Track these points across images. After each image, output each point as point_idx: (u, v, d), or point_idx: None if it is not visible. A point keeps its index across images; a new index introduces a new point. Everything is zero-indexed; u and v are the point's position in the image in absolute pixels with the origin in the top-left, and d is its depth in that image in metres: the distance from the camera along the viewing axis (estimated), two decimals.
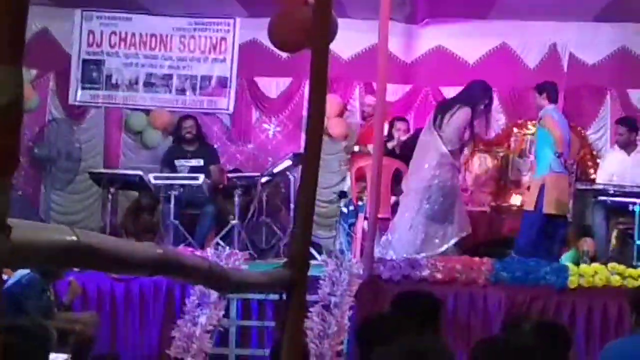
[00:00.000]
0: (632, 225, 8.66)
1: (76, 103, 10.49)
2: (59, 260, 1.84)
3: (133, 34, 10.46)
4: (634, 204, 8.61)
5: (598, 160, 10.14)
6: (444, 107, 9.03)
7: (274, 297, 6.19)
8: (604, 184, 9.04)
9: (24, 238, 1.56)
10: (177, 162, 9.97)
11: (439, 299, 4.91)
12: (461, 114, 8.79)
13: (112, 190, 9.67)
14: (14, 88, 1.43)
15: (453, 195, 8.78)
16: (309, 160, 3.90)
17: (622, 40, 10.58)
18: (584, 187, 9.37)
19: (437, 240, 8.67)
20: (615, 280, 7.74)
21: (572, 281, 7.79)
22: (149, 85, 10.44)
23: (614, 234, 9.14)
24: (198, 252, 8.31)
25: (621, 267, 7.88)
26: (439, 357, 2.54)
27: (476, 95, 8.98)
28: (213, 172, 9.96)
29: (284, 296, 3.72)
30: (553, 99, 9.21)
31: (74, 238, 1.70)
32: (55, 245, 1.66)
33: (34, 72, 10.66)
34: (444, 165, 8.70)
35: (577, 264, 8.17)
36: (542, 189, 8.83)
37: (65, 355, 5.25)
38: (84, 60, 10.36)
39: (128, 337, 8.16)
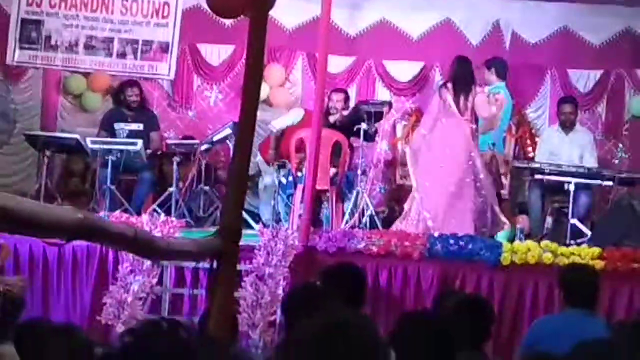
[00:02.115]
0: (567, 204, 8.76)
1: (14, 63, 10.28)
2: None
3: None
4: (569, 183, 8.71)
5: (536, 139, 10.23)
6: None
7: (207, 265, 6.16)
8: (541, 163, 9.13)
9: None
10: (116, 126, 9.86)
11: (363, 272, 4.92)
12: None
13: (47, 153, 9.53)
14: None
15: None
16: (244, 128, 3.87)
17: (564, 20, 10.65)
18: (520, 165, 9.45)
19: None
20: (548, 257, 7.83)
21: (505, 258, 7.87)
22: (89, 47, 10.26)
23: (549, 212, 9.25)
24: (133, 218, 8.26)
25: (553, 245, 7.97)
26: (360, 329, 2.53)
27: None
28: (153, 140, 9.87)
29: (215, 264, 3.69)
30: (501, 75, 9.28)
31: None
32: None
33: None
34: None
35: (512, 241, 8.25)
36: None
37: None
38: (23, 20, 10.15)
39: (60, 301, 8.08)
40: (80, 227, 2.11)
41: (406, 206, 8.88)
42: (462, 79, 8.74)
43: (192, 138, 10.29)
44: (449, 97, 8.70)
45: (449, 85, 8.76)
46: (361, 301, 4.32)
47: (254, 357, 6.63)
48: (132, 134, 9.73)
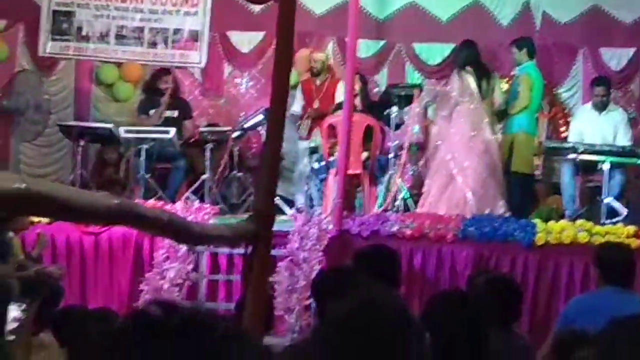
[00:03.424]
0: (601, 183, 8.72)
1: (46, 54, 10.36)
2: (7, 207, 1.83)
3: None
4: (603, 162, 8.66)
5: (569, 119, 10.17)
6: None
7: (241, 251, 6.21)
8: (574, 143, 9.07)
9: None
10: (151, 112, 9.93)
11: (397, 254, 4.93)
12: None
13: (82, 143, 9.62)
14: None
15: None
16: (275, 114, 3.89)
17: None
18: (553, 145, 9.40)
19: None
20: (583, 237, 7.80)
21: (540, 238, 7.85)
22: (120, 37, 10.31)
23: (583, 191, 9.20)
24: (168, 206, 8.32)
25: (588, 224, 7.95)
26: (391, 308, 2.55)
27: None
28: (187, 128, 9.93)
29: (249, 249, 3.73)
30: (531, 55, 9.24)
31: (23, 185, 1.69)
32: (3, 192, 1.65)
33: (3, 22, 10.54)
34: None
35: (546, 221, 8.22)
36: (511, 146, 8.92)
37: (22, 306, 5.23)
38: (54, 12, 10.21)
39: (97, 290, 8.17)
40: (116, 212, 2.14)
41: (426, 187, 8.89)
42: (479, 62, 8.80)
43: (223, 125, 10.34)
44: (472, 79, 8.75)
45: (469, 68, 8.81)
46: (396, 283, 4.34)
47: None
48: (167, 121, 9.78)
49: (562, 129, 10.27)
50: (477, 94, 8.73)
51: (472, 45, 9.15)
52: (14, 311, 5.06)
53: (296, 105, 9.87)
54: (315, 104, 9.89)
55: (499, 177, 8.77)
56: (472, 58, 9.00)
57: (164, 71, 10.22)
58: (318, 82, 10.00)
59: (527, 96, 9.00)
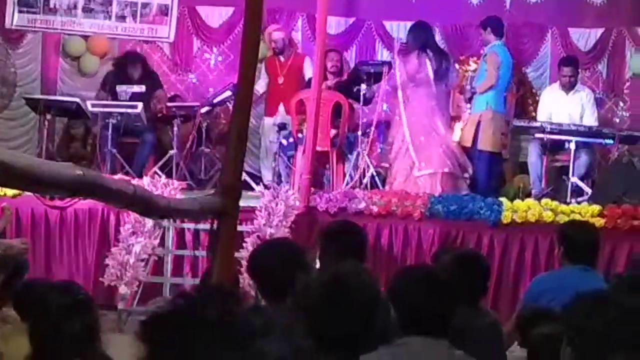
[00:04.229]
0: (567, 163, 8.77)
1: (13, 27, 10.25)
2: None
3: None
4: (570, 141, 8.72)
5: (537, 99, 10.21)
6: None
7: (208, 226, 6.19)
8: (542, 122, 9.11)
9: None
10: (118, 88, 9.82)
11: (363, 230, 4.94)
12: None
13: (48, 117, 9.53)
14: None
15: None
16: (242, 89, 3.87)
17: None
18: (521, 124, 9.43)
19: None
20: (548, 216, 7.86)
21: (506, 216, 7.90)
22: (87, 10, 10.20)
23: (549, 171, 9.26)
24: (134, 181, 8.27)
25: (553, 204, 8.00)
26: (360, 281, 2.57)
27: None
28: (158, 98, 9.81)
29: (215, 224, 3.71)
30: (498, 34, 9.24)
31: None
32: None
33: None
34: None
35: (512, 200, 8.27)
36: (478, 125, 8.95)
37: None
38: None
39: (62, 264, 8.13)
40: (80, 183, 2.13)
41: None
42: (436, 45, 9.18)
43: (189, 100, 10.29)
44: (429, 64, 8.88)
45: (430, 52, 8.92)
46: (362, 259, 4.34)
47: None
48: (135, 96, 9.69)
49: (530, 108, 10.31)
50: (432, 78, 8.87)
51: (429, 27, 9.25)
52: None
53: (260, 83, 9.82)
54: (280, 80, 9.86)
55: (456, 158, 8.89)
56: (431, 41, 9.10)
57: (134, 57, 10.11)
58: (282, 58, 9.97)
59: (493, 75, 9.03)
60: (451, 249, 5.42)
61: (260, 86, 9.81)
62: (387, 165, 9.25)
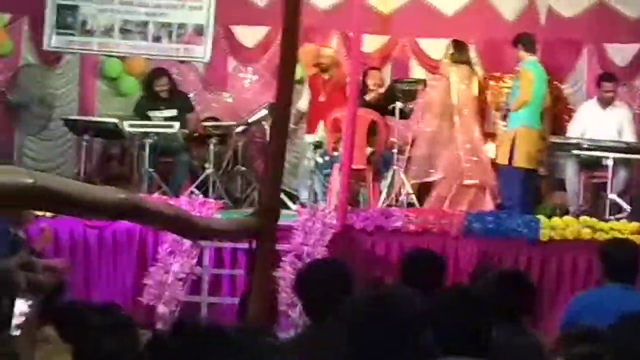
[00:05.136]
0: (604, 180, 8.71)
1: (50, 49, 10.36)
2: (15, 202, 1.83)
3: None
4: (608, 158, 8.65)
5: (573, 114, 10.15)
6: None
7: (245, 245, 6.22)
8: (578, 138, 9.06)
9: None
10: (150, 114, 9.91)
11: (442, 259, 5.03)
12: None
13: (86, 137, 9.62)
14: None
15: None
16: (280, 110, 3.89)
17: None
18: (557, 140, 9.38)
19: None
20: (586, 233, 7.80)
21: (544, 234, 7.85)
22: (124, 32, 10.29)
23: (587, 187, 9.19)
24: (172, 201, 8.32)
25: (592, 221, 7.94)
26: (402, 300, 2.58)
27: None
28: (190, 121, 9.92)
29: (254, 244, 3.73)
30: (530, 50, 9.21)
31: (31, 180, 1.69)
32: (11, 187, 1.65)
33: (7, 16, 10.54)
34: None
35: (550, 217, 8.22)
36: (513, 142, 8.91)
37: (28, 302, 5.23)
38: (59, 5, 10.19)
39: (101, 284, 8.17)
40: (123, 206, 2.15)
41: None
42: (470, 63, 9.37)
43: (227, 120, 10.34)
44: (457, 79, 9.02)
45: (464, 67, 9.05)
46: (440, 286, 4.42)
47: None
48: (168, 121, 9.76)
49: (566, 124, 10.25)
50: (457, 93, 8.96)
51: (466, 46, 9.28)
52: (21, 306, 5.06)
53: (303, 101, 9.87)
54: (322, 98, 9.86)
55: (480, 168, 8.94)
56: (466, 59, 9.19)
57: (159, 72, 10.20)
58: (326, 76, 9.97)
59: (526, 92, 8.99)
60: (490, 267, 5.41)
61: (304, 104, 9.86)
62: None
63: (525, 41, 9.18)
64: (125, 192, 2.27)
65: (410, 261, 4.83)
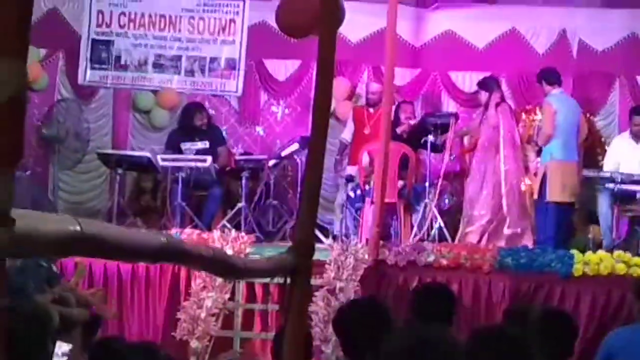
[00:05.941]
0: (639, 213, 8.65)
1: (85, 83, 10.48)
2: (62, 251, 1.85)
3: (142, 15, 10.42)
4: None
5: (606, 147, 10.10)
6: None
7: (279, 280, 6.22)
8: (611, 172, 9.01)
9: (28, 228, 1.57)
10: (182, 146, 9.96)
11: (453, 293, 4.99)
12: None
13: (119, 171, 9.70)
14: (19, 80, 1.44)
15: None
16: (315, 144, 3.90)
17: (631, 26, 10.54)
18: (590, 174, 9.33)
19: None
20: (620, 268, 7.74)
21: (577, 269, 7.79)
22: (157, 66, 10.41)
23: (621, 221, 9.13)
24: (204, 234, 8.36)
25: (626, 256, 7.88)
26: (446, 347, 2.58)
27: None
28: (221, 154, 9.97)
29: (289, 280, 3.74)
30: (553, 83, 9.19)
31: (78, 228, 1.71)
32: (59, 235, 1.67)
33: (43, 51, 10.67)
34: None
35: (583, 251, 8.16)
36: (544, 176, 8.88)
37: (69, 345, 5.25)
38: (94, 40, 10.34)
39: (134, 318, 8.20)
40: (165, 251, 2.16)
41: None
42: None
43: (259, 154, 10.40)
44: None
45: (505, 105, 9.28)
46: (450, 322, 4.40)
47: None
48: (200, 153, 9.82)
49: (599, 157, 10.20)
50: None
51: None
52: (63, 346, 5.09)
53: (346, 132, 9.96)
54: (366, 130, 9.88)
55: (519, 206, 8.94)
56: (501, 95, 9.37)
57: (199, 106, 10.27)
58: (372, 110, 9.99)
59: (547, 125, 9.00)
60: (529, 306, 5.35)
61: (347, 135, 9.94)
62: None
63: (546, 76, 9.20)
64: (166, 235, 2.29)
65: (420, 294, 4.80)
